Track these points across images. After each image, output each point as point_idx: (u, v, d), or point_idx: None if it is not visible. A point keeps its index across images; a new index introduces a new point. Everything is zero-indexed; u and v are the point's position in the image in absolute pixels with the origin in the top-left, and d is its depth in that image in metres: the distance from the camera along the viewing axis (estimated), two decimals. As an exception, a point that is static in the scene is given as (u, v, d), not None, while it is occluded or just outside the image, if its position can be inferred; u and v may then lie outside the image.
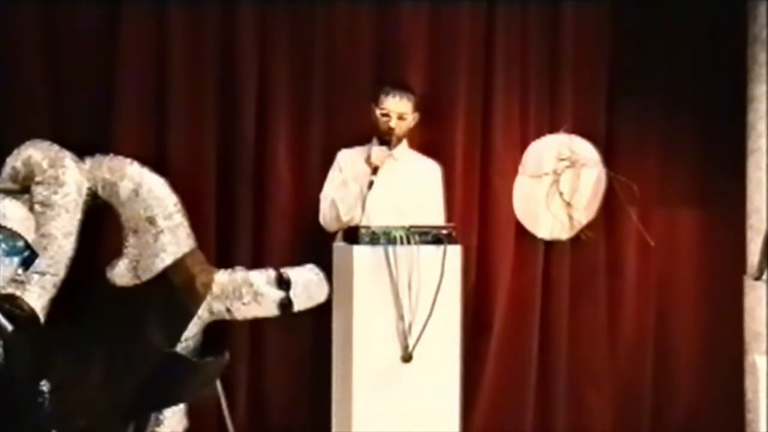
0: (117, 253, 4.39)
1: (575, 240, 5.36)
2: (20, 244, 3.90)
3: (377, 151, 4.80)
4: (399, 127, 4.86)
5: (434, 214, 4.89)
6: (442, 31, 5.21)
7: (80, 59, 4.82)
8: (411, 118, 4.91)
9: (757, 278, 5.19)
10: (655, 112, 5.44)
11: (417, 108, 4.93)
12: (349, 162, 4.90)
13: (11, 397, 3.81)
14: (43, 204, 4.24)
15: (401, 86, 4.92)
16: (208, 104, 4.95)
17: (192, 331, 4.43)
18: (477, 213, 5.23)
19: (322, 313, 4.66)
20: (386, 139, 4.86)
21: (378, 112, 4.86)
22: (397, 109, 4.85)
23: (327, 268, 4.67)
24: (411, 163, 4.95)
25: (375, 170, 4.75)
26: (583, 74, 5.37)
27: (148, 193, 4.35)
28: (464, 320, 4.68)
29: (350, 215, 4.72)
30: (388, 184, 4.79)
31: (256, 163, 5.00)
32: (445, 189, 5.02)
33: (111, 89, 4.83)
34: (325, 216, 4.81)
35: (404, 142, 4.94)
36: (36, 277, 4.18)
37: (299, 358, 5.01)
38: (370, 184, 4.74)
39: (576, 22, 5.34)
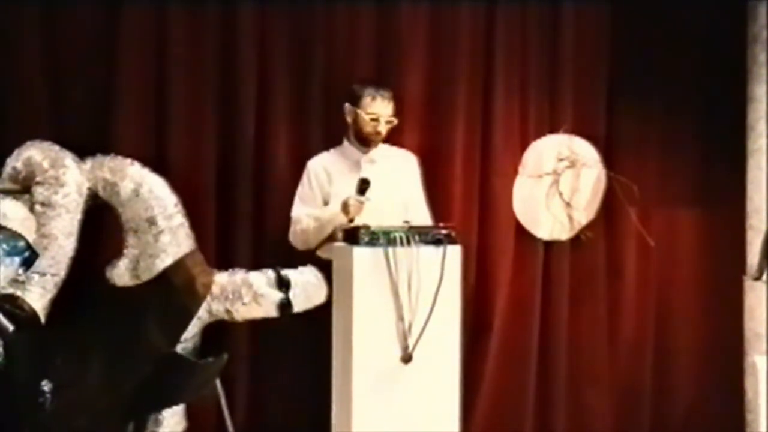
0: (117, 253, 4.38)
1: (575, 240, 5.36)
2: (21, 244, 3.90)
3: (354, 202, 4.59)
4: (384, 130, 4.78)
5: (419, 209, 4.85)
6: (442, 31, 5.21)
7: (80, 59, 4.82)
8: (395, 122, 4.81)
9: (757, 278, 5.19)
10: (655, 112, 5.44)
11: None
12: (320, 173, 4.78)
13: (12, 398, 3.81)
14: (43, 204, 4.23)
15: (381, 85, 4.82)
16: (208, 104, 4.95)
17: (191, 331, 4.43)
18: (477, 213, 5.23)
19: (322, 313, 4.65)
20: (368, 141, 4.78)
21: (366, 116, 4.74)
22: (387, 113, 4.76)
23: (326, 268, 4.66)
24: (389, 161, 4.86)
25: (351, 220, 4.60)
26: (583, 74, 5.37)
27: (148, 193, 4.34)
28: (464, 320, 4.67)
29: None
30: (371, 189, 4.65)
31: (256, 163, 4.99)
32: (423, 176, 4.96)
33: (111, 89, 4.82)
34: (296, 239, 4.73)
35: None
36: (36, 277, 4.17)
37: (299, 358, 5.00)
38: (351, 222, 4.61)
39: (576, 22, 5.34)
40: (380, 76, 5.03)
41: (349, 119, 4.82)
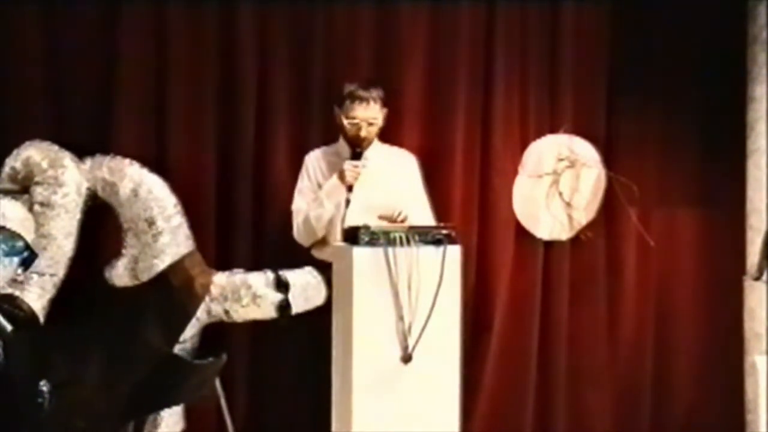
0: (116, 253, 4.39)
1: (575, 240, 5.36)
2: (20, 244, 3.89)
3: (349, 167, 4.59)
4: (369, 133, 4.70)
5: (418, 208, 4.81)
6: (442, 31, 5.20)
7: (80, 59, 4.82)
8: (381, 120, 4.74)
9: (757, 278, 5.19)
10: (655, 112, 5.43)
11: (384, 103, 4.75)
12: (316, 166, 4.77)
13: (10, 398, 3.81)
14: (42, 204, 4.24)
15: (365, 85, 4.72)
16: (208, 104, 4.95)
17: (190, 332, 4.44)
18: (477, 213, 5.23)
19: (322, 313, 4.65)
20: (354, 144, 4.70)
21: (345, 121, 4.69)
22: (366, 116, 4.68)
23: (327, 270, 4.65)
24: (384, 161, 4.80)
25: (350, 188, 4.61)
26: (583, 74, 5.36)
27: (147, 193, 4.35)
28: (464, 320, 4.66)
29: (326, 233, 4.67)
30: (364, 188, 4.67)
31: (256, 163, 4.99)
32: (423, 177, 4.93)
33: (111, 89, 4.83)
34: (300, 232, 4.72)
35: (374, 140, 4.80)
36: (35, 277, 4.18)
37: (299, 359, 5.00)
38: (347, 202, 4.63)
39: (576, 22, 5.34)
40: (380, 76, 5.02)
41: (338, 121, 4.77)
